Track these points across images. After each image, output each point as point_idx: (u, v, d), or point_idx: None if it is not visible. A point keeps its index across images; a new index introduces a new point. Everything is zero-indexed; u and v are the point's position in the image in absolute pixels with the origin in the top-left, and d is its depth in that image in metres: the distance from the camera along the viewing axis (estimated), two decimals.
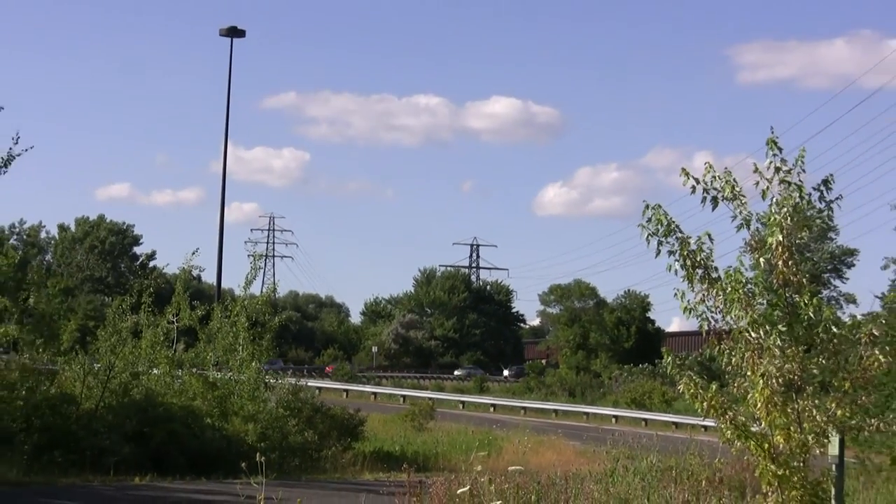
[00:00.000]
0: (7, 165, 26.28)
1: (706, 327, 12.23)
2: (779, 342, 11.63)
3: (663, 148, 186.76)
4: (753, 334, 11.78)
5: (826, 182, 12.31)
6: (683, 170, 12.36)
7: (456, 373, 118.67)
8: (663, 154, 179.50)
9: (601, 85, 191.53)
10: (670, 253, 12.08)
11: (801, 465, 11.92)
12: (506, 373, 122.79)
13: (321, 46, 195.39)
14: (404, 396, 77.28)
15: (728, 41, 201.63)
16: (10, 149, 26.29)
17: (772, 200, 11.96)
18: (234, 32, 54.07)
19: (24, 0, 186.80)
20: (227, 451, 28.19)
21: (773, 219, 11.80)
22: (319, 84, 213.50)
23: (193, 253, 37.80)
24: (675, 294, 12.23)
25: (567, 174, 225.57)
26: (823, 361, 11.91)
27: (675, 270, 12.13)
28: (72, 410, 28.11)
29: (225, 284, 54.45)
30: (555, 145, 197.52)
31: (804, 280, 12.00)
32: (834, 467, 12.19)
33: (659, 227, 12.00)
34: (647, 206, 12.13)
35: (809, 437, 11.84)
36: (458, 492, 14.73)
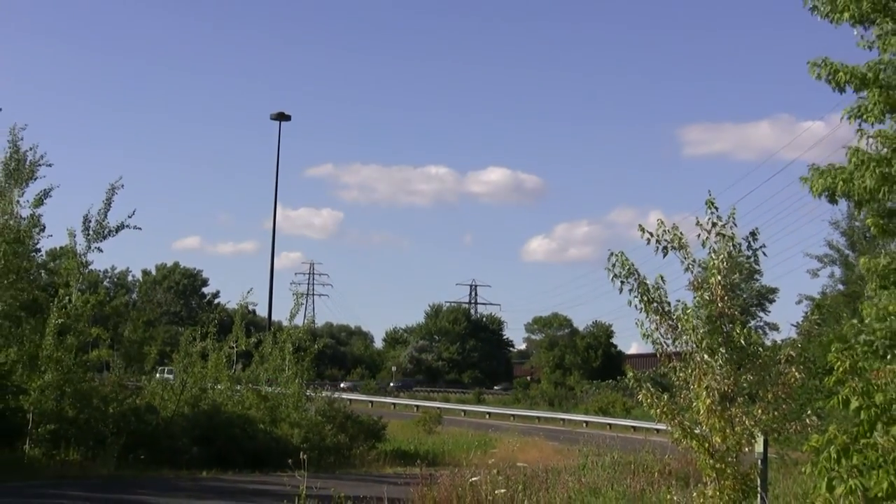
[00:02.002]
0: (118, 232, 26.59)
1: (660, 350, 12.26)
2: (720, 362, 11.68)
3: (625, 207, 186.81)
4: (699, 356, 11.84)
5: (753, 234, 12.37)
6: (640, 226, 12.41)
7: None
8: (625, 212, 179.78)
9: (575, 158, 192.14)
10: (630, 291, 12.12)
11: (734, 460, 11.91)
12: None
13: (353, 127, 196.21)
14: (417, 406, 76.93)
15: (676, 123, 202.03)
16: (124, 220, 26.70)
17: (710, 249, 12.02)
18: (281, 117, 54.34)
19: (121, 98, 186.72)
20: (276, 451, 28.17)
21: (712, 263, 11.86)
22: (351, 157, 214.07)
23: (249, 292, 38.33)
24: (636, 323, 12.28)
25: (548, 228, 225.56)
26: (752, 377, 11.94)
27: (635, 305, 12.17)
28: (153, 418, 28.12)
29: (274, 317, 54.49)
30: (538, 205, 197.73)
31: (737, 312, 12.05)
32: (759, 462, 12.17)
33: (621, 270, 12.05)
34: (612, 254, 12.18)
35: (741, 438, 11.86)
36: (470, 481, 14.73)
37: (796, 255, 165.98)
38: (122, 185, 26.79)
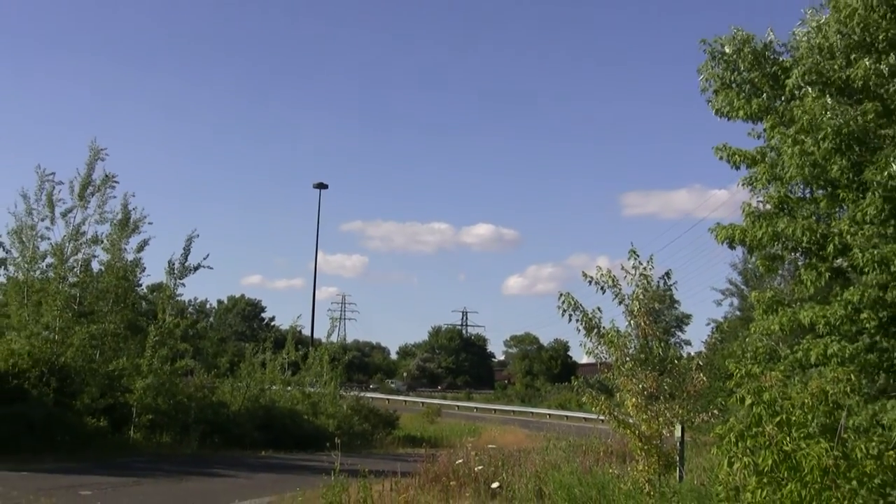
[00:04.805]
0: (195, 271, 26.74)
1: (599, 362, 12.33)
2: (628, 367, 11.81)
3: (580, 253, 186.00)
4: (625, 367, 11.92)
5: (667, 274, 12.49)
6: (584, 273, 12.50)
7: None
8: (579, 257, 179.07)
9: (543, 216, 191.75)
10: (577, 321, 12.17)
11: (658, 442, 11.91)
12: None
13: (376, 193, 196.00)
14: (423, 402, 76.69)
15: (618, 190, 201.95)
16: (200, 262, 26.87)
17: (635, 285, 12.11)
18: (321, 186, 54.32)
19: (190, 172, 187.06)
20: (317, 436, 28.07)
21: (634, 295, 11.96)
22: (375, 215, 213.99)
23: (298, 317, 38.39)
24: (580, 344, 12.37)
25: (522, 269, 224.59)
26: (670, 381, 11.97)
27: (579, 330, 12.23)
28: (224, 411, 28.10)
29: (316, 335, 54.23)
30: (515, 252, 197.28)
31: (658, 333, 12.09)
32: (678, 444, 12.17)
33: (568, 307, 12.11)
34: (560, 294, 12.24)
35: (663, 427, 11.86)
36: (456, 462, 14.66)
37: (705, 289, 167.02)
38: (198, 235, 26.95)
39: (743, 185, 13.31)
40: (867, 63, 10.92)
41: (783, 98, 12.59)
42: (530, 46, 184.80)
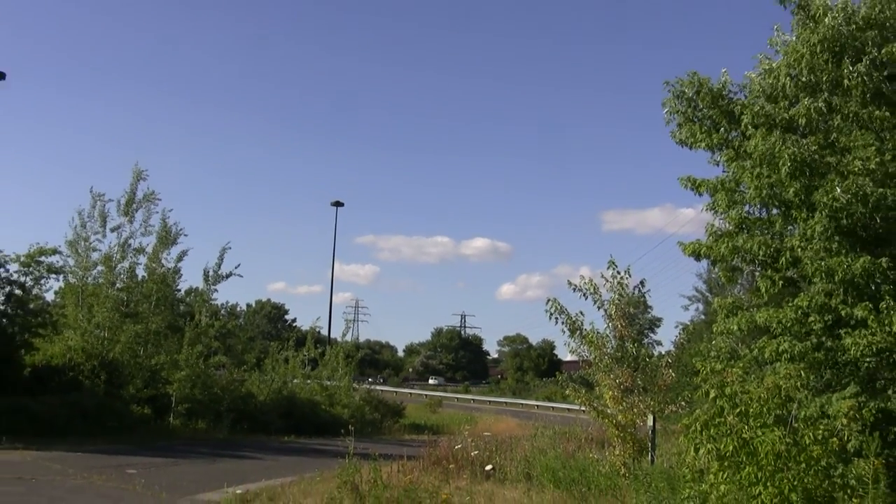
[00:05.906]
0: (227, 278, 26.82)
1: (581, 359, 12.38)
2: (606, 363, 11.86)
3: (565, 265, 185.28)
4: (604, 364, 11.97)
5: (642, 283, 12.55)
6: (569, 281, 12.58)
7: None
8: (565, 268, 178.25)
9: (533, 231, 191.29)
10: (563, 323, 12.23)
11: (633, 431, 11.96)
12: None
13: (386, 210, 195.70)
14: (426, 394, 76.49)
15: (599, 208, 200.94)
16: (231, 270, 26.97)
17: (613, 293, 12.16)
18: (338, 203, 54.20)
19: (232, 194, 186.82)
20: (333, 424, 28.04)
21: (612, 300, 12.00)
22: (385, 230, 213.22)
23: (316, 319, 38.38)
24: (565, 344, 12.44)
25: (513, 277, 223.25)
26: (643, 376, 12.01)
27: (564, 331, 12.27)
28: (252, 401, 28.10)
29: (332, 335, 54.26)
30: (508, 263, 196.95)
31: (632, 334, 12.15)
32: (650, 432, 12.20)
33: (554, 311, 12.15)
34: (548, 300, 12.31)
35: (636, 417, 11.90)
36: (455, 448, 14.64)
37: (674, 296, 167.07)
38: (230, 248, 27.11)
39: (707, 209, 13.39)
40: (807, 103, 11.04)
41: (739, 131, 12.68)
42: (524, 79, 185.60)
